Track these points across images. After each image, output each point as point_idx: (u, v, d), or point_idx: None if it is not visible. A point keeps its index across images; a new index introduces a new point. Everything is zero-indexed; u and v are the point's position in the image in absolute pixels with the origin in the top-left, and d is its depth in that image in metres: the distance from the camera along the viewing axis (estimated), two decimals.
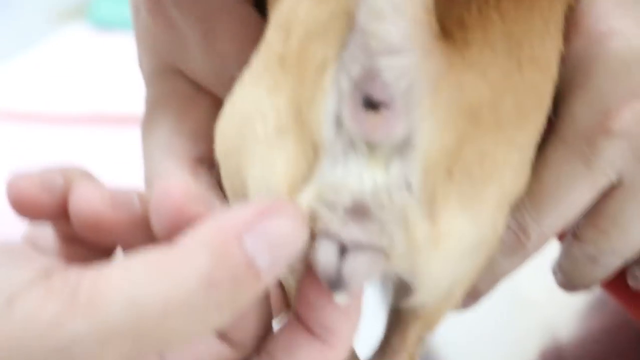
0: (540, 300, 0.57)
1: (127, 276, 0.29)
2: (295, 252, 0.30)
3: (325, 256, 0.31)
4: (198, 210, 0.31)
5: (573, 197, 0.39)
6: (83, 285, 0.28)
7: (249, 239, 0.29)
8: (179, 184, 0.31)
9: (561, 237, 0.45)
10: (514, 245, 0.41)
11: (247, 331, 0.34)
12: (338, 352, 0.32)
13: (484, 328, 0.55)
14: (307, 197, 0.31)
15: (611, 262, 0.42)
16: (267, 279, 0.29)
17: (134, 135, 0.44)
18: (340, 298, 0.31)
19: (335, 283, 0.30)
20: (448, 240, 0.32)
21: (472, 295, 0.44)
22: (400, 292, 0.35)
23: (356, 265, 0.30)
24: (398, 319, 0.38)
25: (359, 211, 0.30)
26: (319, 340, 0.32)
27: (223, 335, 0.34)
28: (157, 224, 0.32)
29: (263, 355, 0.33)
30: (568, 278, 0.44)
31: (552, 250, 0.44)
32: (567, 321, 0.56)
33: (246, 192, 0.34)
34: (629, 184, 0.39)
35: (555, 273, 0.46)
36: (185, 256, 0.29)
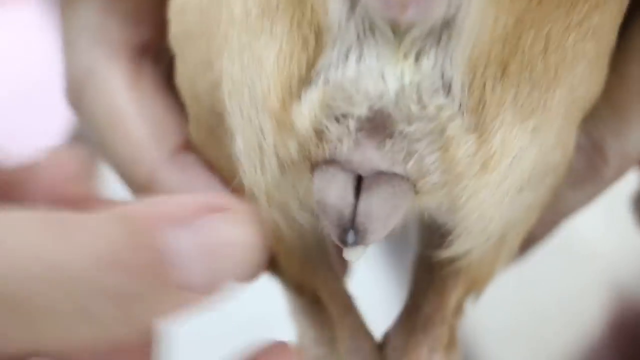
0: (602, 249, 0.53)
1: (14, 228, 0.25)
2: (241, 269, 0.26)
3: (334, 193, 0.27)
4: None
5: None
6: None
7: (176, 234, 0.25)
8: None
9: None
10: (586, 171, 0.34)
11: None
12: None
13: (532, 291, 0.51)
14: (307, 109, 0.27)
15: None
16: (195, 293, 0.25)
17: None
18: (351, 255, 0.27)
19: (348, 233, 0.27)
20: (502, 163, 0.28)
21: (522, 244, 0.37)
22: (433, 240, 0.31)
23: (375, 205, 0.27)
24: (431, 278, 0.33)
25: (377, 126, 0.26)
26: None
27: None
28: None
29: None
30: None
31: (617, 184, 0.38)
32: (637, 273, 0.52)
33: (217, 96, 0.29)
34: None
35: (634, 211, 0.42)
36: (92, 222, 0.25)
